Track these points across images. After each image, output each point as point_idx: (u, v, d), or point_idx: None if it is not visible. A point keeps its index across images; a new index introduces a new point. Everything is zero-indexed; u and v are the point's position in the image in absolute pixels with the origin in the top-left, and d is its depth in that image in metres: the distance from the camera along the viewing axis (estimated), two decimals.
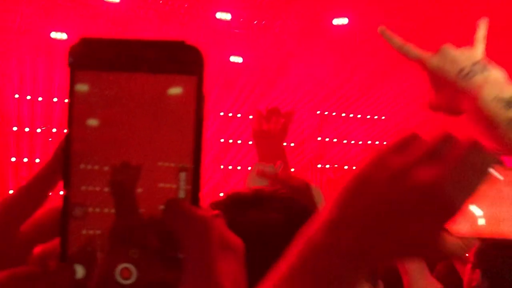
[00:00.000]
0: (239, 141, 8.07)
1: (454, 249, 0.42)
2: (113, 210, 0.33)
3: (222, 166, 8.03)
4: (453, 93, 0.81)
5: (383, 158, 0.41)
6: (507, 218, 0.43)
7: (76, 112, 0.32)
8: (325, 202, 0.43)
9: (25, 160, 6.37)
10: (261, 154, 1.78)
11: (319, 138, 7.72)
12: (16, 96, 6.54)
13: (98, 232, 0.33)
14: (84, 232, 0.33)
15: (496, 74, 0.80)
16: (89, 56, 0.32)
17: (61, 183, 0.33)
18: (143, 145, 0.33)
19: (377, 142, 7.50)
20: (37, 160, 6.25)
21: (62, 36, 6.11)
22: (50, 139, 6.19)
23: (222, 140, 8.17)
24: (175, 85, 0.32)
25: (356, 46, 6.50)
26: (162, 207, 0.33)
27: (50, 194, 0.33)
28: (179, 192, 0.32)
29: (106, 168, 0.32)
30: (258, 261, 0.49)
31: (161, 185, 0.33)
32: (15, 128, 6.51)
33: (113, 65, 0.32)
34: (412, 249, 0.41)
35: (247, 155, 7.48)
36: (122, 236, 0.33)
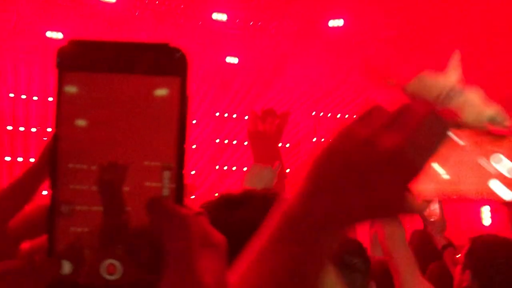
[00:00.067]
0: (234, 142, 8.07)
1: (419, 209, 0.45)
2: (100, 208, 0.33)
3: (217, 167, 8.03)
4: None
5: (350, 130, 0.44)
6: (465, 179, 0.47)
7: (63, 112, 0.33)
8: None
9: (20, 159, 6.35)
10: (256, 154, 1.79)
11: (314, 139, 7.73)
12: (11, 95, 6.52)
13: (85, 229, 0.33)
14: (71, 229, 0.33)
15: (472, 97, 0.81)
16: (76, 58, 0.33)
17: (48, 181, 0.34)
18: (130, 144, 0.33)
19: None
20: (32, 160, 6.22)
21: (58, 35, 6.09)
22: (44, 138, 6.18)
23: (217, 141, 8.18)
24: (160, 86, 0.33)
25: (351, 48, 6.51)
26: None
27: (38, 191, 0.34)
28: (164, 191, 0.33)
29: (93, 167, 0.33)
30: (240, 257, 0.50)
31: (147, 184, 0.33)
32: (9, 128, 6.49)
33: (100, 66, 0.33)
34: (381, 210, 0.44)
35: (242, 155, 7.48)
36: (109, 234, 0.33)
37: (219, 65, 7.30)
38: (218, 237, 0.34)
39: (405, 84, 0.86)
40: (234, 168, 7.93)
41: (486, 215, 5.71)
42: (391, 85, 0.86)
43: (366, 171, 0.43)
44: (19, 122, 6.52)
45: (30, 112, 6.49)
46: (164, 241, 0.32)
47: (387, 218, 0.44)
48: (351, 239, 1.84)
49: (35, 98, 6.48)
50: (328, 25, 6.54)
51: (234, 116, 8.07)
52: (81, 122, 0.33)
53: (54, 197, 0.33)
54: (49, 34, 6.09)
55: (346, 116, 7.69)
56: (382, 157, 0.42)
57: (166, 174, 0.33)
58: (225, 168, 8.04)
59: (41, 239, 0.34)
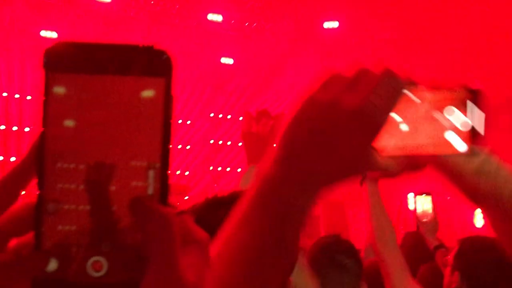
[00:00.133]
0: (228, 143, 8.08)
1: (384, 165, 0.48)
2: (87, 207, 0.34)
3: (211, 167, 8.03)
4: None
5: (313, 97, 0.48)
6: (423, 133, 0.49)
7: (50, 112, 0.34)
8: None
9: (13, 159, 6.32)
10: (250, 156, 1.79)
11: None
12: (4, 94, 6.50)
13: (72, 227, 0.34)
14: (58, 227, 0.34)
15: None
16: (62, 59, 0.34)
17: (35, 180, 0.34)
18: (116, 144, 0.34)
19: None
20: None
21: (52, 34, 6.08)
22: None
23: (212, 141, 8.18)
24: (145, 87, 0.34)
25: (346, 49, 6.54)
26: None
27: (25, 190, 0.35)
28: (148, 190, 0.34)
29: (80, 167, 0.34)
30: None
31: (133, 183, 0.34)
32: (2, 127, 6.47)
33: (86, 67, 0.34)
34: (350, 168, 0.47)
35: (236, 156, 7.49)
36: (95, 232, 0.34)
37: (214, 65, 7.31)
38: (201, 234, 0.35)
39: None
40: (228, 169, 7.93)
41: (478, 217, 5.74)
42: None
43: (332, 132, 0.46)
44: (12, 122, 6.50)
45: (24, 111, 6.47)
46: (146, 239, 0.33)
47: (357, 176, 0.47)
48: (344, 240, 1.85)
49: (28, 97, 6.46)
50: (323, 27, 6.56)
51: (229, 117, 8.07)
52: (68, 122, 0.34)
53: (41, 195, 0.34)
54: (43, 33, 6.07)
55: None
56: (345, 117, 0.46)
57: (151, 174, 0.34)
58: (219, 168, 8.05)
59: (28, 236, 0.34)
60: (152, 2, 6.16)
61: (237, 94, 7.87)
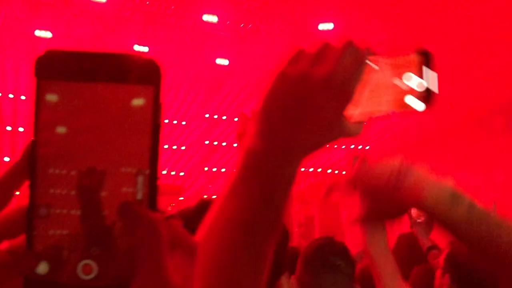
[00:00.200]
0: (224, 144, 8.09)
1: (355, 131, 0.51)
2: (78, 212, 0.35)
3: (206, 168, 8.04)
4: (388, 200, 0.84)
5: (283, 72, 0.50)
6: (385, 98, 0.52)
7: (41, 119, 0.35)
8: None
9: (7, 159, 6.30)
10: None
11: None
12: None
13: (63, 231, 0.35)
14: (49, 231, 0.35)
15: (420, 172, 0.82)
16: (54, 67, 0.35)
17: (27, 184, 0.35)
18: (106, 151, 0.35)
19: (360, 147, 7.57)
20: None
21: (47, 34, 6.06)
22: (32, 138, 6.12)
23: (207, 142, 8.18)
24: (135, 94, 0.35)
25: None
26: None
27: (17, 192, 0.35)
28: (137, 195, 0.35)
29: (72, 173, 0.35)
30: None
31: (124, 189, 0.35)
32: None
33: (76, 75, 0.35)
34: (325, 135, 0.50)
35: (232, 157, 7.49)
36: (86, 236, 0.35)
37: (209, 66, 7.31)
38: (189, 238, 0.36)
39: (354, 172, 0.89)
40: (223, 170, 7.94)
41: None
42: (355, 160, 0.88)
43: (305, 101, 0.49)
44: (6, 122, 6.48)
45: (18, 111, 6.45)
46: (135, 244, 0.33)
47: (333, 141, 0.49)
48: (337, 241, 1.86)
49: (23, 97, 6.44)
50: (318, 28, 6.58)
51: (224, 118, 8.08)
52: (59, 129, 0.35)
53: (32, 200, 0.35)
54: (38, 33, 6.06)
55: None
56: (316, 86, 0.48)
57: (140, 180, 0.35)
58: (214, 169, 8.05)
59: (20, 239, 0.35)
60: (147, 2, 6.16)
61: (232, 95, 7.88)
